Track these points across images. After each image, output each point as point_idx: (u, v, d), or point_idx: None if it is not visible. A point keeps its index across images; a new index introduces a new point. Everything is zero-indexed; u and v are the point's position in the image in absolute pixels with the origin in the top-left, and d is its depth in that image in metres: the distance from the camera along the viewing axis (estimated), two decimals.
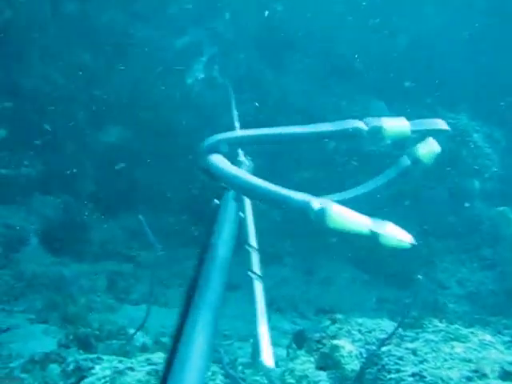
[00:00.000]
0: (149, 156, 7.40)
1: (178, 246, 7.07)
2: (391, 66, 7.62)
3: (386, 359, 3.51)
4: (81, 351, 4.39)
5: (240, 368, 4.18)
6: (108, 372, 3.38)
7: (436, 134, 1.87)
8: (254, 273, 1.65)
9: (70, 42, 7.21)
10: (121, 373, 3.35)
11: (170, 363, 1.39)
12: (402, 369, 3.32)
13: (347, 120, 1.91)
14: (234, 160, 1.94)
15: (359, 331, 4.04)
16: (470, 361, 3.26)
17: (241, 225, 1.84)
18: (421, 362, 3.34)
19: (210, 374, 3.42)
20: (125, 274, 6.64)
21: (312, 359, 3.84)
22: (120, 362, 3.53)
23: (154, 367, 3.46)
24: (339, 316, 4.30)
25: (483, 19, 7.49)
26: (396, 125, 1.85)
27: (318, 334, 4.10)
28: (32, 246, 6.52)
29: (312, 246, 7.10)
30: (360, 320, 4.23)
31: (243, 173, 1.73)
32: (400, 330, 3.73)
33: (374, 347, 3.74)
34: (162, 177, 7.57)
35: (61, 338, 4.75)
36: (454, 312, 6.27)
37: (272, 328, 1.74)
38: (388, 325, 4.14)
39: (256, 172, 2.02)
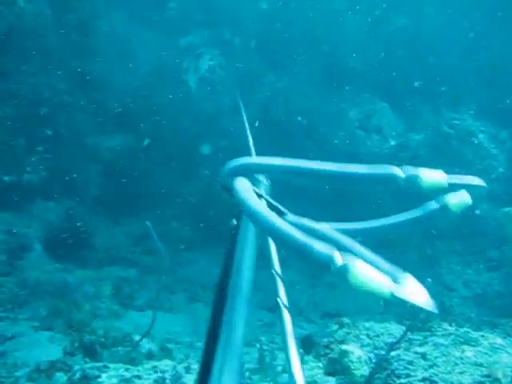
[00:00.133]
0: (152, 161, 7.38)
1: (182, 250, 7.05)
2: (394, 65, 7.59)
3: (395, 364, 3.47)
4: (86, 359, 4.35)
5: (247, 374, 4.15)
6: (115, 380, 3.36)
7: (471, 189, 1.88)
8: (282, 302, 1.61)
9: (72, 47, 7.20)
10: (128, 381, 3.33)
11: None
12: (412, 374, 3.27)
13: (383, 165, 1.88)
14: (251, 178, 1.89)
15: (367, 336, 4.01)
16: (481, 365, 3.22)
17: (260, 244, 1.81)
18: (431, 367, 3.30)
19: None
20: (129, 280, 6.62)
21: (320, 364, 3.81)
22: (126, 370, 3.51)
23: (160, 375, 3.44)
24: (346, 320, 4.27)
25: (487, 17, 7.46)
26: (433, 176, 1.86)
27: (325, 339, 4.08)
28: (35, 252, 6.49)
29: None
30: (367, 324, 4.20)
31: (268, 211, 1.66)
32: (408, 333, 3.69)
33: (382, 352, 3.70)
34: (165, 181, 7.55)
35: (66, 345, 4.71)
36: (461, 314, 6.22)
37: (278, 332, 1.70)
38: (396, 328, 4.11)
39: (272, 190, 1.97)
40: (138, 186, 7.31)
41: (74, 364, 4.03)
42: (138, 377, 3.37)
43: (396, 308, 5.90)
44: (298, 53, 7.80)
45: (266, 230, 1.63)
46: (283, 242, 1.56)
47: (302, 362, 3.46)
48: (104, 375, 3.44)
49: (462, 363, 3.26)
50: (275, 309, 1.63)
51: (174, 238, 6.86)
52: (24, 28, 6.88)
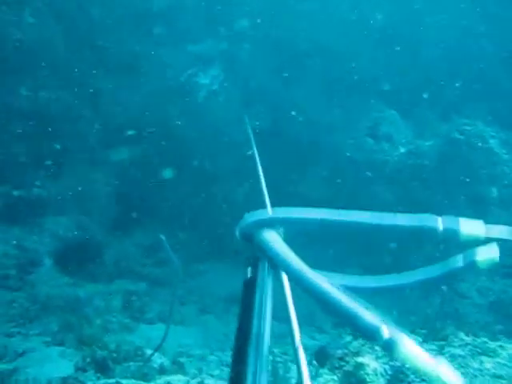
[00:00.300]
0: (159, 173, 7.36)
1: (191, 261, 7.02)
2: (403, 73, 7.55)
3: (411, 376, 3.40)
4: (99, 374, 4.31)
5: None
6: None
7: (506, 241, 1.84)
8: (296, 347, 1.60)
9: (80, 61, 7.22)
10: None
11: None
12: None
13: (423, 216, 1.83)
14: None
15: None
16: (500, 377, 3.15)
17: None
18: None
19: None
20: (139, 293, 6.58)
21: (335, 377, 3.73)
22: None
23: None
24: None
25: (498, 23, 7.41)
26: (472, 229, 1.82)
27: (339, 351, 4.00)
28: (46, 267, 6.47)
29: (326, 256, 6.99)
30: None
31: (312, 273, 1.63)
32: (424, 344, 3.62)
33: (398, 363, 3.63)
34: (173, 193, 7.54)
35: (77, 360, 4.68)
36: (476, 322, 6.12)
37: (289, 343, 1.67)
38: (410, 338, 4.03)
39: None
40: (148, 199, 7.30)
41: (86, 380, 3.99)
42: None
43: (411, 316, 5.82)
44: (305, 62, 7.78)
45: (310, 292, 1.64)
46: (332, 307, 1.57)
47: (317, 375, 3.38)
48: None
49: (481, 375, 3.19)
50: (286, 319, 1.60)
51: (183, 249, 6.83)
52: (32, 44, 6.90)
